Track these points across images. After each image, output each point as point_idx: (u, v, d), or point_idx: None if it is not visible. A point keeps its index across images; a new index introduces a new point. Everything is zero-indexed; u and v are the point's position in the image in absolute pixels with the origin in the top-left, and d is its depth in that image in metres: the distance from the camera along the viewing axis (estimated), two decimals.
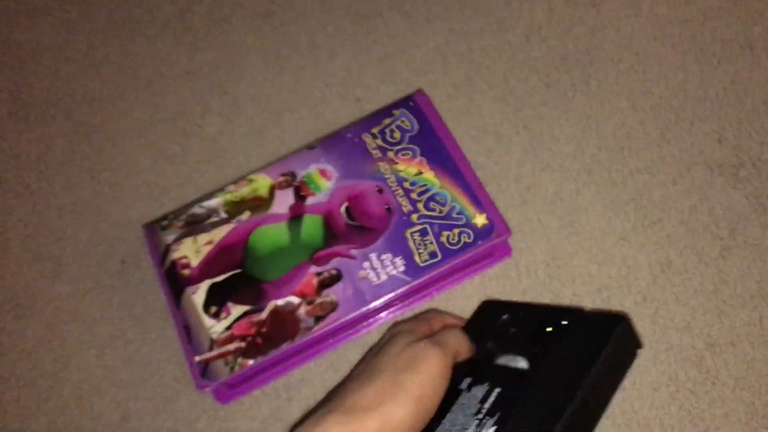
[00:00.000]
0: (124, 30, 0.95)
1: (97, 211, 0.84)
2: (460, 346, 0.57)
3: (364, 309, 0.68)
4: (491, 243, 0.70)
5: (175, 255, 0.72)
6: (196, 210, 0.74)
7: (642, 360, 0.69)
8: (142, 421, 0.73)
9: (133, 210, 0.83)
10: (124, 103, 0.90)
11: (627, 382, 0.69)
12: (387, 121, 0.77)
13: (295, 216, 0.72)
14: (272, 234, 0.71)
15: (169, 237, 0.73)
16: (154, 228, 0.75)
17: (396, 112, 0.77)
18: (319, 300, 0.67)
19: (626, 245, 0.75)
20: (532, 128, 0.81)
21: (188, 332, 0.68)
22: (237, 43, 0.91)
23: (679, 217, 0.75)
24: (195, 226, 0.73)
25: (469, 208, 0.71)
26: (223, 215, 0.74)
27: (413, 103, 0.77)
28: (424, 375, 0.54)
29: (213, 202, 0.74)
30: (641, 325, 0.71)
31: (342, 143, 0.77)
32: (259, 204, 0.74)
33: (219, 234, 0.72)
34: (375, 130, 0.76)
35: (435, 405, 0.55)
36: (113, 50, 0.94)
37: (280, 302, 0.68)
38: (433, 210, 0.71)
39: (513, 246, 0.76)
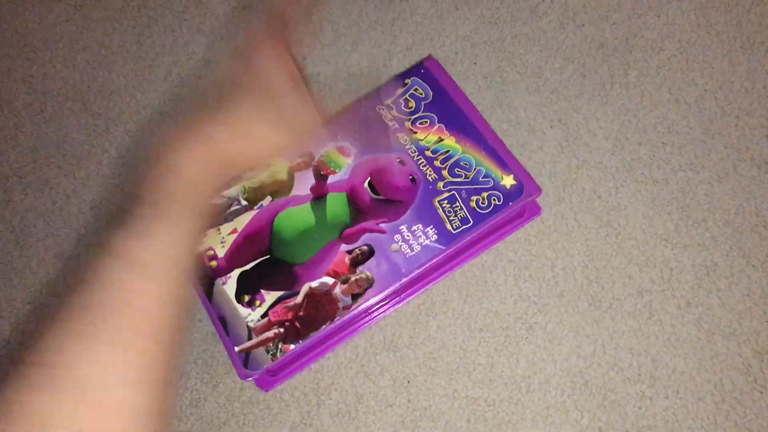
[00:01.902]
0: (141, 17, 0.92)
1: (119, 209, 0.82)
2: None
3: (401, 282, 0.67)
4: (522, 203, 0.69)
5: (200, 248, 0.70)
6: (216, 200, 0.72)
7: (686, 368, 0.67)
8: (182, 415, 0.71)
9: None
10: (142, 94, 0.87)
11: (670, 390, 0.66)
12: (399, 90, 0.75)
13: (318, 196, 0.71)
14: (297, 216, 0.70)
15: None
16: None
17: (408, 81, 0.75)
18: (354, 278, 0.67)
19: (668, 247, 0.71)
20: (567, 122, 0.77)
21: (224, 323, 0.67)
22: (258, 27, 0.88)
23: (725, 217, 0.72)
24: (217, 216, 0.71)
25: (496, 171, 0.70)
26: (244, 203, 0.72)
27: (424, 70, 0.75)
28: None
29: (232, 191, 0.73)
30: (685, 331, 0.68)
31: (356, 118, 0.75)
32: (279, 188, 0.72)
33: (242, 222, 0.71)
34: (389, 102, 0.75)
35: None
36: (130, 38, 0.91)
37: (314, 284, 0.67)
38: (459, 176, 0.70)
39: (549, 247, 0.73)
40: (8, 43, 0.92)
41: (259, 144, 0.53)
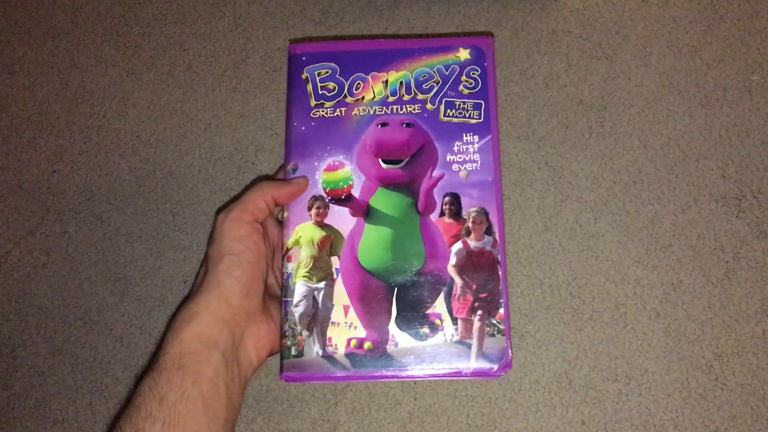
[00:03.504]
0: (185, 79, 1.07)
1: (162, 238, 0.94)
2: (261, 195, 0.61)
3: (495, 188, 0.65)
4: (490, 52, 0.70)
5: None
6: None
7: (657, 368, 0.77)
8: None
9: (193, 237, 0.93)
10: (185, 143, 1.01)
11: (643, 388, 0.77)
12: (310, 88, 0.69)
13: (364, 211, 0.64)
14: (374, 243, 0.63)
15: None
16: None
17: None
18: (469, 222, 0.64)
19: (640, 267, 0.83)
20: (553, 164, 0.90)
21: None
22: (285, 89, 1.03)
23: (688, 242, 0.84)
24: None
25: (447, 57, 0.68)
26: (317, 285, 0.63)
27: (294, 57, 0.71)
28: (215, 240, 0.60)
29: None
30: (655, 338, 0.79)
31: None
32: (328, 243, 0.64)
33: (337, 299, 0.62)
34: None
35: (245, 249, 0.58)
36: (175, 97, 1.05)
37: (452, 261, 0.62)
38: (431, 87, 0.67)
39: (538, 268, 0.85)
40: (69, 101, 1.07)
41: None
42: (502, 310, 0.61)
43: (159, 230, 0.93)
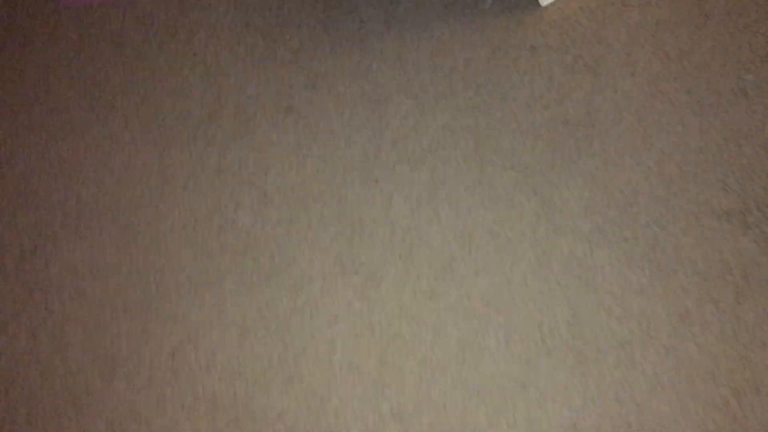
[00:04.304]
0: (160, 137, 1.03)
1: (147, 309, 0.91)
2: None
3: None
4: None
5: None
6: None
7: (671, 411, 0.72)
8: None
9: (178, 306, 0.89)
10: (164, 205, 0.98)
11: None
12: None
13: None
14: None
15: None
16: None
17: None
18: None
19: (644, 298, 0.77)
20: (542, 193, 0.85)
21: None
22: (262, 139, 0.99)
23: (693, 267, 0.78)
24: None
25: None
26: None
27: None
28: None
29: None
30: (666, 377, 0.73)
31: None
32: None
33: None
34: None
35: None
36: (152, 157, 1.02)
37: None
38: None
39: (534, 311, 0.80)
40: (47, 173, 1.04)
41: None
42: None
43: (143, 301, 0.90)
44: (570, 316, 0.77)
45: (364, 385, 0.77)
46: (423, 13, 0.97)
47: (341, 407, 0.77)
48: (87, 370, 0.88)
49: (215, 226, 0.94)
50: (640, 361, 0.74)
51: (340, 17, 1.00)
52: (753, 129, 0.83)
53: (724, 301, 0.75)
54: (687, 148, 0.83)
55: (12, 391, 0.88)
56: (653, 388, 0.73)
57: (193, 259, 0.93)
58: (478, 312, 0.78)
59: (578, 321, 0.77)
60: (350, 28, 1.00)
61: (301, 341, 0.81)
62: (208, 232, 0.94)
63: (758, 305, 0.74)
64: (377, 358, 0.77)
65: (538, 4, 0.97)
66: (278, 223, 0.93)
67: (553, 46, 0.92)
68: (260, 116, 1.02)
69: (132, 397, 0.86)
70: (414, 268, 0.82)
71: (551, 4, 0.96)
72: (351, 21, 1.00)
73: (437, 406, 0.75)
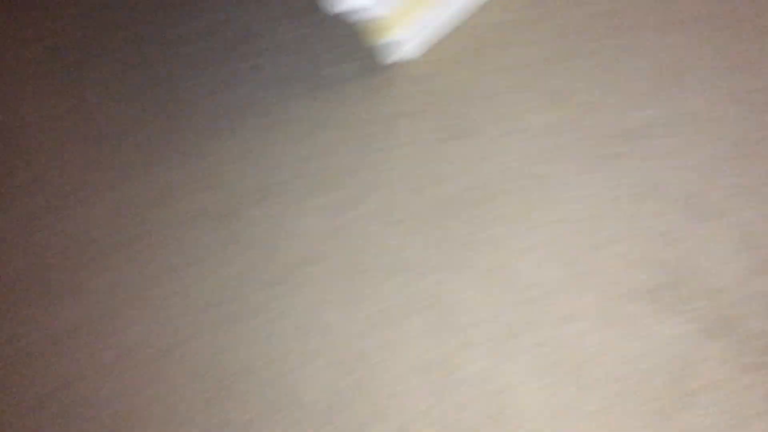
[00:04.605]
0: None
1: None
2: None
3: None
4: None
5: None
6: None
7: None
8: None
9: None
10: None
11: None
12: None
13: None
14: None
15: None
16: None
17: None
18: None
19: (570, 421, 0.64)
20: (436, 296, 0.70)
21: None
22: None
23: (615, 373, 0.64)
24: None
25: None
26: None
27: None
28: None
29: None
30: None
31: None
32: None
33: None
34: None
35: None
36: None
37: None
38: None
39: None
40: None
41: None
42: None
43: None
44: None
45: None
46: (269, 93, 0.81)
47: None
48: None
49: None
50: None
51: (176, 117, 0.83)
52: (646, 180, 0.69)
53: (665, 411, 0.61)
54: (586, 213, 0.69)
55: None
56: None
57: None
58: None
59: None
60: (192, 128, 0.83)
61: None
62: None
63: (705, 410, 0.60)
64: None
65: (399, 63, 0.81)
66: None
67: (423, 111, 0.77)
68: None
69: None
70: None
71: (414, 59, 0.80)
72: (186, 121, 0.83)
73: None
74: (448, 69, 0.79)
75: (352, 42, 0.83)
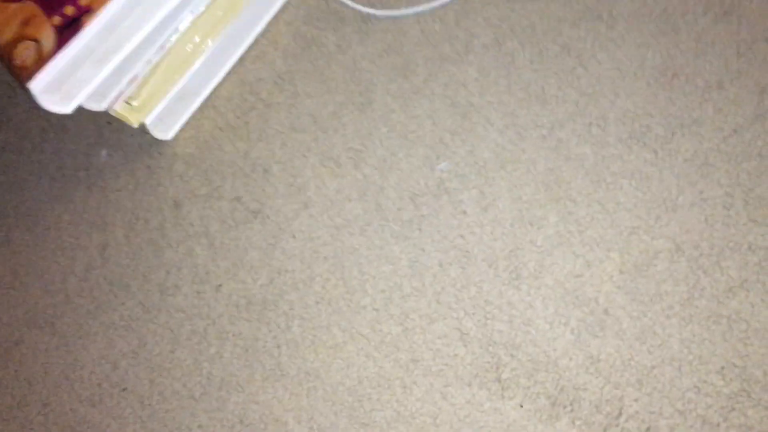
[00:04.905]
0: None
1: None
2: None
3: None
4: None
5: None
6: None
7: None
8: None
9: None
10: None
11: None
12: None
13: None
14: None
15: None
16: None
17: None
18: None
19: None
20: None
21: None
22: None
23: None
24: None
25: None
26: None
27: None
28: None
29: None
30: None
31: None
32: None
33: None
34: None
35: None
36: None
37: None
38: None
39: None
40: None
41: None
42: None
43: None
44: None
45: None
46: (25, 190, 0.70)
47: None
48: None
49: None
50: None
51: None
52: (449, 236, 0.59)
53: None
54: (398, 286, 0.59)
55: None
56: None
57: None
58: None
59: None
60: None
61: None
62: None
63: None
64: None
65: (164, 139, 0.69)
66: None
67: (201, 191, 0.66)
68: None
69: None
70: None
71: (180, 134, 0.69)
72: None
73: None
74: (223, 139, 0.68)
75: (107, 132, 0.71)
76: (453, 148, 0.63)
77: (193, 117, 0.70)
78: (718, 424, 0.54)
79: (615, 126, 0.59)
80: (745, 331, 0.54)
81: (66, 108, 0.60)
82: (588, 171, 0.59)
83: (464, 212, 0.61)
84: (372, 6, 0.67)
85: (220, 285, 0.67)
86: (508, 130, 0.62)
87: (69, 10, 0.57)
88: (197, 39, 0.66)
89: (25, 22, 0.57)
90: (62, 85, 0.58)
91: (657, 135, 0.58)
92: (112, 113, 0.65)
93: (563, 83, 0.61)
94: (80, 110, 0.59)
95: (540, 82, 0.62)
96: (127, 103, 0.65)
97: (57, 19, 0.57)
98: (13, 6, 0.57)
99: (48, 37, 0.57)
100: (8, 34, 0.57)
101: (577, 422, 0.56)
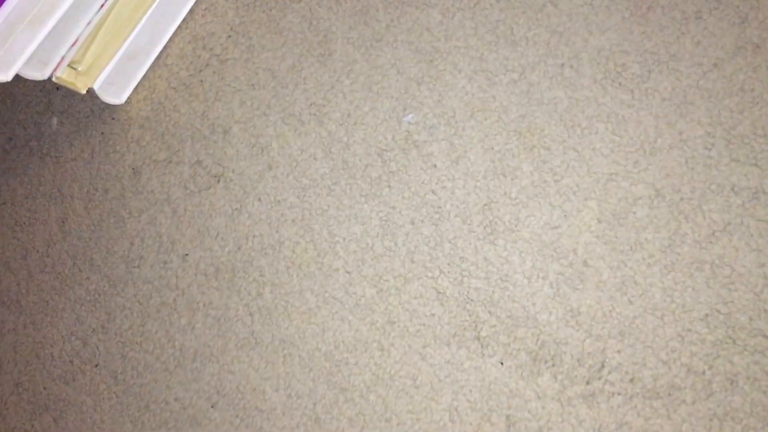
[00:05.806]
0: None
1: None
2: None
3: None
4: None
5: None
6: None
7: None
8: None
9: None
10: None
11: None
12: None
13: None
14: None
15: None
16: None
17: None
18: None
19: None
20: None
21: None
22: None
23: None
24: None
25: None
26: None
27: None
28: None
29: None
30: None
31: None
32: None
33: None
34: None
35: None
36: None
37: None
38: None
39: None
40: None
41: None
42: None
43: None
44: None
45: None
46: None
47: None
48: None
49: None
50: None
51: None
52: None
53: None
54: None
55: None
56: None
57: None
58: None
59: None
60: None
61: None
62: None
63: None
64: None
65: (116, 104, 0.65)
66: None
67: (160, 156, 0.62)
68: None
69: None
70: None
71: (133, 96, 0.65)
72: None
73: None
74: (179, 99, 0.64)
75: (57, 99, 0.67)
76: (420, 99, 0.59)
77: (146, 78, 0.66)
78: (704, 372, 0.52)
79: (589, 66, 0.56)
80: (729, 277, 0.52)
81: (4, 76, 0.56)
82: (562, 116, 0.56)
83: (434, 166, 0.58)
84: None
85: (187, 254, 0.64)
86: (476, 76, 0.58)
87: None
88: None
89: None
90: None
91: (633, 74, 0.55)
92: (56, 80, 0.61)
93: (533, 22, 0.57)
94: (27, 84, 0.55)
95: (508, 21, 0.58)
96: (72, 67, 0.61)
97: None
98: None
99: None
100: None
101: (559, 377, 0.54)
